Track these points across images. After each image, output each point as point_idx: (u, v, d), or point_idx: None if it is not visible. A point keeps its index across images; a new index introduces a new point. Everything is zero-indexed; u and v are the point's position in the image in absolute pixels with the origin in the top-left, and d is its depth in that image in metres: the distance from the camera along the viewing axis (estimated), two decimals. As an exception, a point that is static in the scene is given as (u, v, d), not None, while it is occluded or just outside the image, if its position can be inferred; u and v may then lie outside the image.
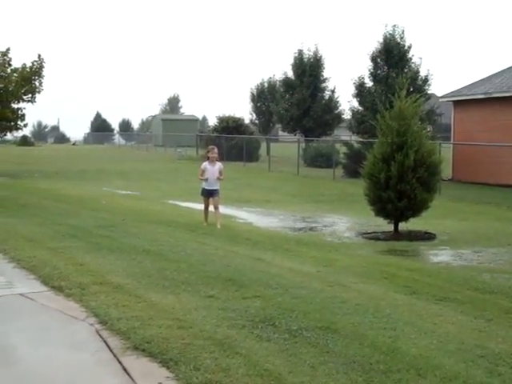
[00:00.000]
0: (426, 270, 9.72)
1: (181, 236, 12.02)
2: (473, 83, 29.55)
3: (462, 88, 29.81)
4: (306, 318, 6.41)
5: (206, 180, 14.01)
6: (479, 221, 16.03)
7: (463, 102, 28.93)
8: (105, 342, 5.69)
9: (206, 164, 14.15)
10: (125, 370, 5.05)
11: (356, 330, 6.10)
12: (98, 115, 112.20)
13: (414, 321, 6.55)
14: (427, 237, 13.34)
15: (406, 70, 32.20)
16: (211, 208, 14.09)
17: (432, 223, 14.62)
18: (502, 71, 29.19)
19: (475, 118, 27.81)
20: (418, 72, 33.36)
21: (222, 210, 17.68)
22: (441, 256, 11.35)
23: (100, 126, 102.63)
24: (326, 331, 5.99)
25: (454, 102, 29.69)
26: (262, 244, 11.59)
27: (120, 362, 5.20)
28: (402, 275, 9.05)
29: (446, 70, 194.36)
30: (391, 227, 13.69)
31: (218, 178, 14.07)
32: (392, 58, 33.19)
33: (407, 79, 14.10)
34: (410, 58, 33.73)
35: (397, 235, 13.42)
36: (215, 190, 14.06)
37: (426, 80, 33.49)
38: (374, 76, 34.08)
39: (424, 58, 71.65)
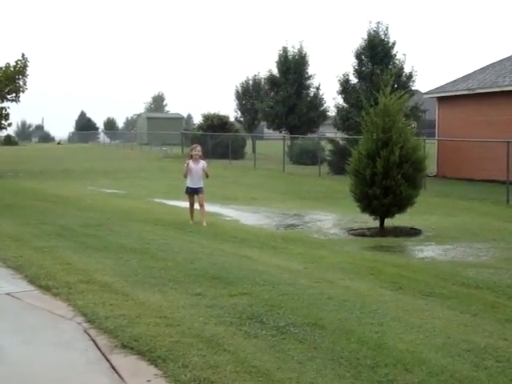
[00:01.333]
0: (412, 266, 9.77)
1: (167, 234, 12.01)
2: (456, 79, 29.70)
3: (445, 84, 29.95)
4: (294, 314, 6.45)
5: (185, 177, 14.08)
6: (464, 216, 16.13)
7: (447, 98, 29.06)
8: (93, 340, 5.69)
9: (190, 163, 14.07)
10: (113, 368, 5.05)
11: (343, 325, 6.14)
12: (83, 114, 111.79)
13: (401, 316, 6.60)
14: (413, 232, 13.39)
15: (390, 67, 32.27)
16: (196, 206, 14.03)
17: (417, 219, 14.69)
18: (485, 67, 29.35)
19: (459, 114, 27.96)
20: (402, 68, 33.43)
21: (209, 207, 17.67)
22: (426, 251, 11.41)
23: (85, 125, 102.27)
24: (313, 327, 6.02)
25: (437, 98, 29.82)
26: (249, 241, 11.61)
27: (108, 361, 5.20)
28: (388, 271, 9.10)
29: (431, 66, 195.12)
30: (377, 223, 13.75)
31: (206, 175, 14.10)
32: (376, 54, 33.25)
33: (392, 76, 14.12)
34: (395, 55, 33.82)
35: (383, 231, 13.47)
36: (199, 188, 14.03)
37: (410, 76, 33.58)
38: (358, 73, 34.14)
39: (408, 54, 71.96)
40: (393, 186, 13.02)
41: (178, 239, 11.47)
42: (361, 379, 4.84)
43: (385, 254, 11.09)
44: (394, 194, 13.06)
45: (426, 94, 31.69)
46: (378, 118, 13.43)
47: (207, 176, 14.13)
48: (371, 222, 13.96)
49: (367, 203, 13.46)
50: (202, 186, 14.10)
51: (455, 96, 28.35)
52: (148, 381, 4.79)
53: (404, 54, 34.36)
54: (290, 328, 5.99)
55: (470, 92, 27.23)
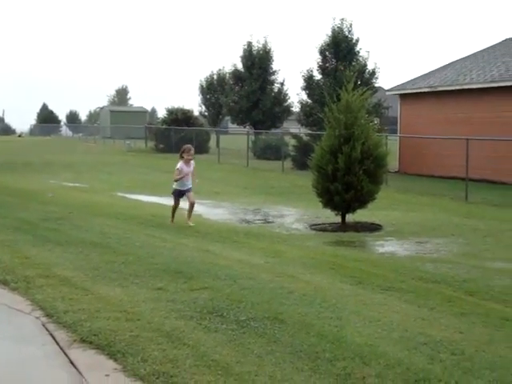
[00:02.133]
0: (372, 261, 9.90)
1: (129, 228, 11.96)
2: (418, 77, 30.03)
3: (407, 81, 30.26)
4: (254, 308, 6.49)
5: (176, 181, 13.15)
6: (424, 212, 16.34)
7: (409, 96, 29.38)
8: (51, 335, 5.66)
9: (181, 165, 13.08)
10: (71, 362, 5.04)
11: (303, 319, 6.20)
12: (45, 107, 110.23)
13: (360, 310, 6.69)
14: (374, 228, 13.54)
15: (353, 63, 32.54)
16: (182, 205, 13.46)
17: (379, 214, 14.85)
18: (446, 65, 29.74)
19: (420, 111, 28.30)
20: (365, 65, 33.73)
21: (171, 201, 17.66)
22: (387, 246, 11.55)
23: (47, 118, 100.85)
24: (273, 321, 6.07)
25: (399, 95, 30.12)
26: (211, 236, 11.63)
27: (67, 355, 5.18)
28: (348, 266, 9.20)
29: (395, 63, 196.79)
30: (339, 218, 13.86)
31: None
32: (340, 51, 33.49)
33: (354, 72, 14.24)
34: (358, 52, 34.09)
35: (344, 226, 13.59)
36: (189, 188, 13.23)
37: (373, 73, 33.88)
38: (322, 69, 34.34)
39: (372, 51, 72.57)
40: (354, 181, 13.14)
41: (140, 233, 11.43)
42: (319, 372, 4.90)
43: (346, 248, 11.19)
44: (356, 190, 13.18)
45: (388, 90, 31.98)
46: (341, 114, 13.52)
47: (194, 178, 13.32)
48: (333, 217, 14.06)
49: (329, 198, 13.56)
50: (191, 185, 13.27)
51: (417, 93, 28.67)
52: (106, 375, 4.78)
53: (367, 51, 34.76)
54: (250, 322, 6.03)
55: (432, 90, 27.56)
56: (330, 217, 14.20)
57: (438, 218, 15.05)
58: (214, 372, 4.82)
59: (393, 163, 27.85)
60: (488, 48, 29.58)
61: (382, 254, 10.92)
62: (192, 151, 13.28)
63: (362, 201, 13.49)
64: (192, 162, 13.26)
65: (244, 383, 4.65)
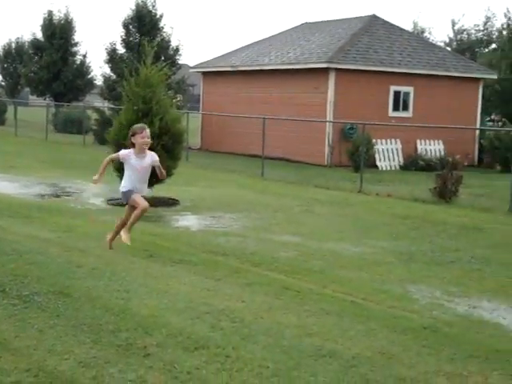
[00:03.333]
0: (166, 235, 10.06)
1: None
2: (221, 55, 30.59)
3: (210, 60, 30.72)
4: (39, 283, 6.38)
5: (101, 175, 8.42)
6: (222, 188, 16.78)
7: (212, 74, 29.86)
8: None
9: (129, 154, 8.38)
10: None
11: (89, 293, 6.20)
12: None
13: (148, 282, 6.80)
14: (171, 203, 13.67)
15: (158, 39, 32.45)
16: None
17: (177, 190, 15.00)
18: (248, 45, 30.52)
19: (223, 90, 28.88)
20: (169, 41, 33.80)
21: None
22: (182, 221, 11.75)
23: None
24: (58, 295, 6.01)
25: (202, 73, 30.53)
26: (1, 210, 11.16)
27: None
28: (142, 240, 9.27)
29: (201, 42, 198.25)
30: (137, 194, 13.83)
31: (161, 174, 8.99)
32: (144, 25, 33.33)
33: (153, 47, 14.19)
34: (162, 27, 34.11)
35: (142, 201, 13.58)
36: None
37: (177, 50, 34.07)
38: (126, 43, 33.97)
39: (177, 29, 72.57)
40: (152, 156, 13.15)
41: None
42: (101, 344, 4.94)
43: (141, 223, 11.15)
44: (154, 165, 13.20)
45: (192, 68, 32.27)
46: (140, 89, 13.47)
47: (162, 176, 9.20)
48: (131, 192, 14.00)
49: (126, 173, 13.48)
50: (146, 191, 9.16)
51: (219, 72, 29.21)
52: None
53: (172, 27, 34.85)
54: (33, 297, 5.93)
55: (233, 69, 28.21)
56: (128, 192, 14.13)
57: (235, 194, 15.53)
58: (-10, 348, 4.69)
59: (195, 140, 28.31)
60: (288, 30, 30.72)
61: (176, 228, 11.10)
62: (148, 131, 8.53)
63: (159, 176, 13.55)
64: (151, 154, 8.61)
65: (21, 357, 4.57)
